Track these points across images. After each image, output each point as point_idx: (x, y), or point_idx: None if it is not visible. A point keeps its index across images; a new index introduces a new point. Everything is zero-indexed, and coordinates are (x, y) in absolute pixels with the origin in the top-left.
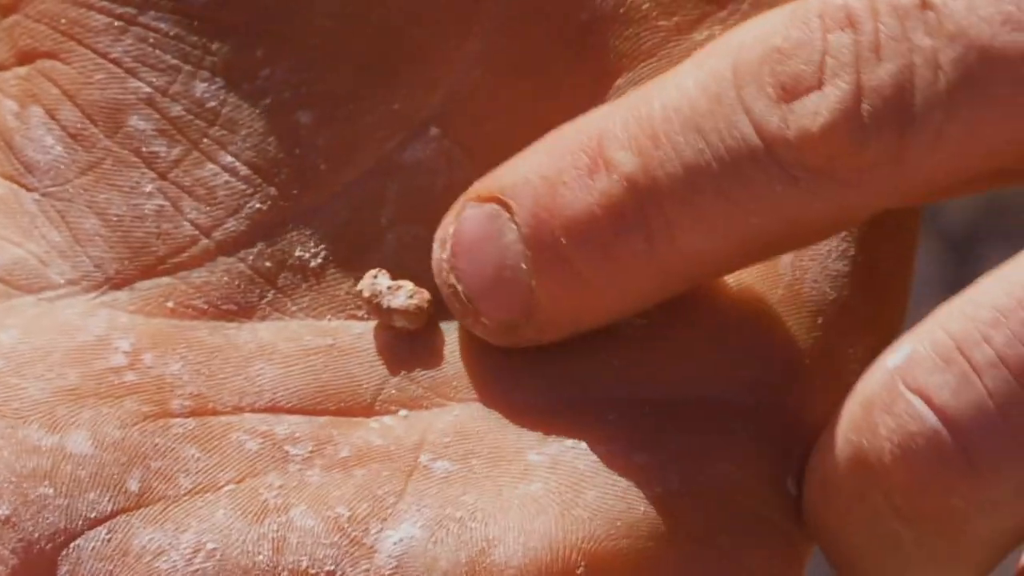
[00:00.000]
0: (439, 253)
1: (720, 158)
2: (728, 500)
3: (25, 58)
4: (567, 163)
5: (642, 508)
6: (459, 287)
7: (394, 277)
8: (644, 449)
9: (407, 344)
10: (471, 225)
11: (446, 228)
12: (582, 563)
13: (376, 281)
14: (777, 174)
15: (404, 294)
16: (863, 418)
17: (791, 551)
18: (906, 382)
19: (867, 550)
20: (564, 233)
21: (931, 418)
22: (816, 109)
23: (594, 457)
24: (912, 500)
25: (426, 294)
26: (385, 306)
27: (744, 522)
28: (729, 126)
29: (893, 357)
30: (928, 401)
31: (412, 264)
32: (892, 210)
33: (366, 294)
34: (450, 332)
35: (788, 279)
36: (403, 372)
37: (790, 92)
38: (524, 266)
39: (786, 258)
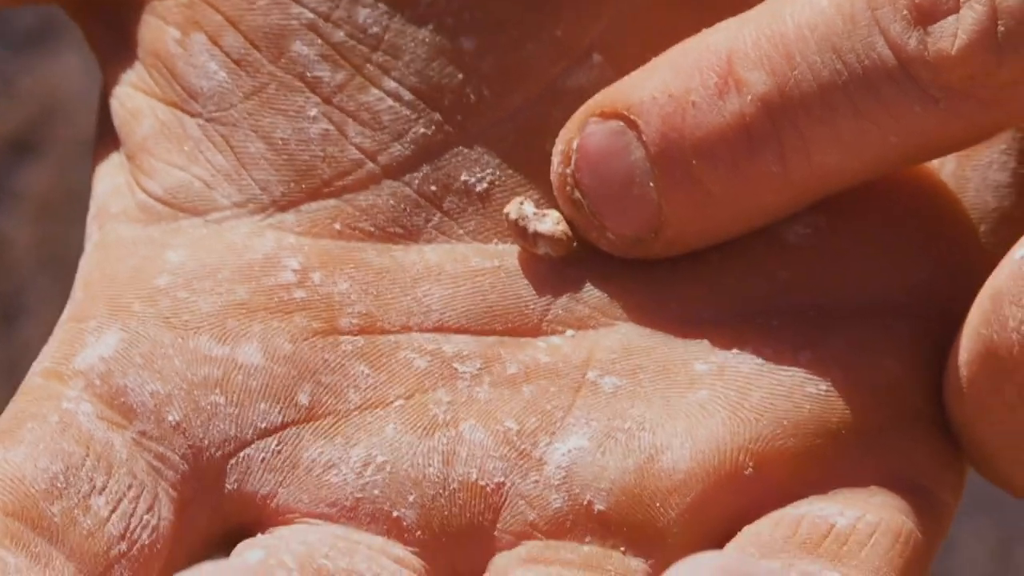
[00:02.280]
0: (560, 168)
1: (857, 78)
2: (892, 396)
3: None
4: (696, 82)
5: (808, 406)
6: (584, 202)
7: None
8: (807, 348)
9: (573, 267)
10: (596, 141)
11: (568, 142)
12: (750, 463)
13: (523, 206)
14: (916, 94)
15: (551, 220)
16: (992, 311)
17: (950, 446)
18: None
19: (1003, 445)
20: (695, 153)
21: None
22: (954, 31)
23: (759, 360)
24: None
25: None
26: (531, 230)
27: (908, 418)
28: (867, 47)
29: (1021, 249)
30: None
31: None
32: None
33: (512, 216)
34: (598, 259)
35: (949, 189)
36: (569, 293)
37: (926, 14)
38: (652, 184)
39: (948, 167)
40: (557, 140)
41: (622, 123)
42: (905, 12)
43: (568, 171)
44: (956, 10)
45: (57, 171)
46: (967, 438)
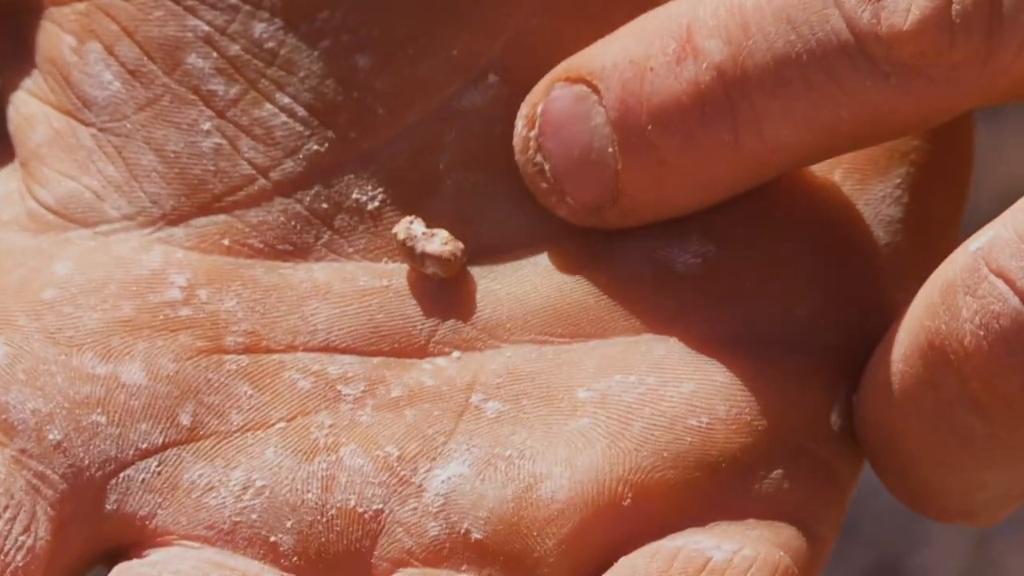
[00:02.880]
0: (524, 131)
1: (811, 50)
2: (773, 432)
3: None
4: (656, 48)
5: (688, 438)
6: (546, 166)
7: (453, 223)
8: (691, 379)
9: (461, 287)
10: (560, 105)
11: (533, 106)
12: (629, 495)
13: (412, 226)
14: (867, 69)
15: (439, 240)
16: (942, 302)
17: (834, 484)
18: (989, 264)
19: (932, 446)
20: (650, 119)
21: (1014, 300)
22: (907, 6)
23: (641, 389)
24: (990, 384)
25: (460, 244)
26: (419, 251)
27: (789, 454)
28: (821, 19)
29: (976, 241)
30: (1011, 284)
31: (470, 211)
32: (944, 159)
33: (401, 236)
34: (488, 280)
35: (841, 221)
36: (457, 314)
37: None
38: (611, 150)
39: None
40: (523, 104)
41: (586, 87)
42: None
43: (532, 135)
44: None
45: None
46: (885, 446)
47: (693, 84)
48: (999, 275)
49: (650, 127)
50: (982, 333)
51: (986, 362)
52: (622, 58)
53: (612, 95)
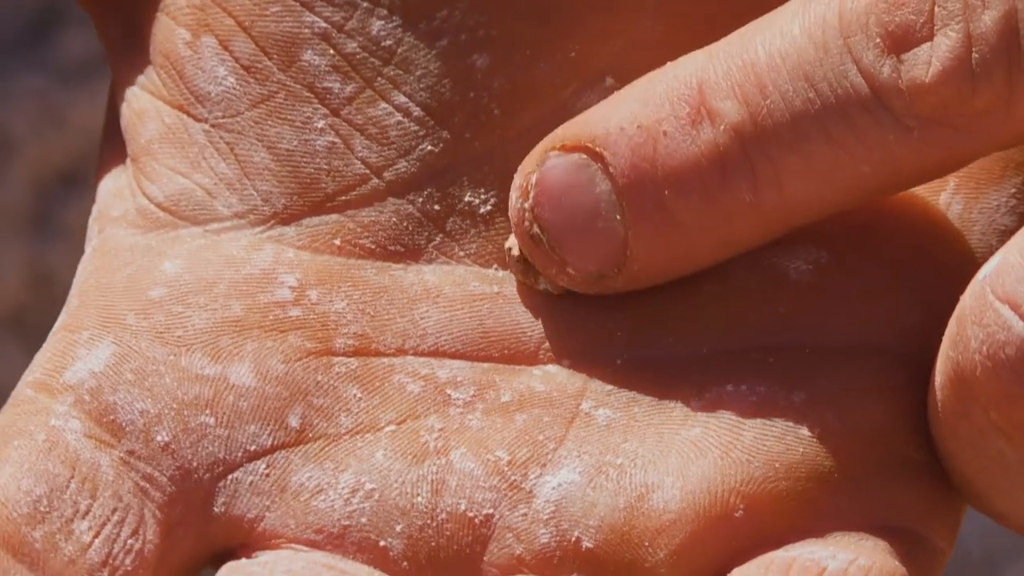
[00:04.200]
0: (518, 202)
1: (830, 107)
2: (882, 441)
3: None
4: (666, 112)
5: (800, 449)
6: (544, 237)
7: None
8: (801, 388)
9: (572, 296)
10: (558, 174)
11: (527, 176)
12: (741, 506)
13: None
14: (889, 122)
15: None
16: (958, 332)
17: (945, 494)
18: (995, 291)
19: (979, 470)
20: (667, 183)
21: (1019, 326)
22: (928, 59)
23: (753, 399)
24: (1006, 413)
25: None
26: (532, 266)
27: (898, 463)
28: (839, 75)
29: (985, 268)
30: (1016, 309)
31: None
32: None
33: (514, 252)
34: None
35: (955, 231)
36: (567, 323)
37: (899, 43)
38: (619, 217)
39: (954, 210)
40: (516, 175)
41: (586, 156)
42: (878, 40)
43: (526, 205)
44: (930, 37)
45: None
46: (949, 467)
47: (711, 146)
48: (1005, 301)
49: (666, 191)
50: (990, 364)
51: (998, 391)
52: (629, 123)
53: (621, 161)
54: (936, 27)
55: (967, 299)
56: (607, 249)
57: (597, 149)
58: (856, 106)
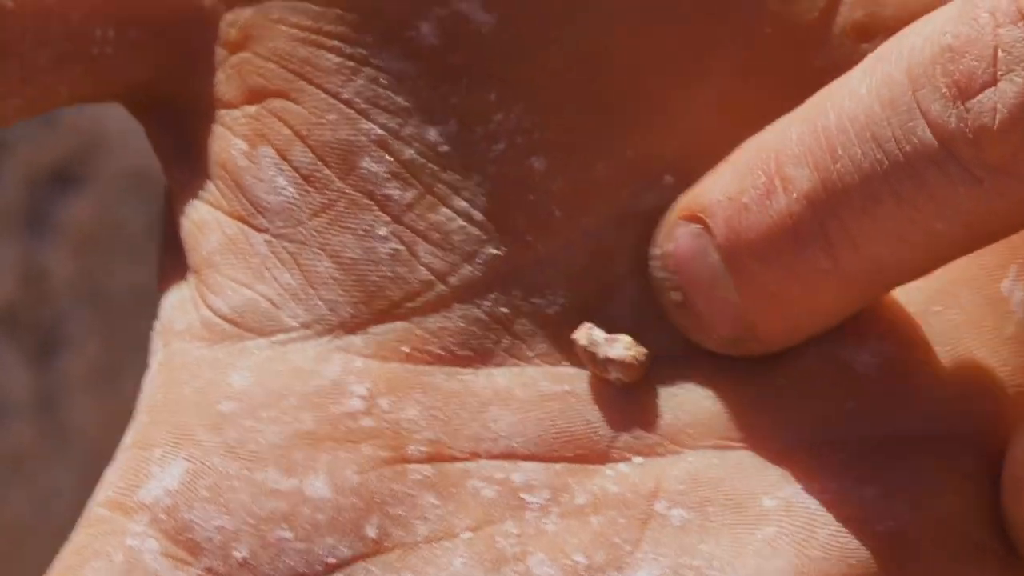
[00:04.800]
0: (659, 272)
1: (899, 164)
2: (956, 529)
3: (255, 97)
4: (747, 183)
5: (875, 543)
6: (686, 305)
7: (634, 327)
8: (873, 483)
9: (642, 392)
10: (683, 243)
11: (664, 247)
12: None
13: (592, 332)
14: (959, 175)
15: (622, 345)
16: None
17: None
18: None
19: None
20: (750, 255)
21: None
22: (993, 105)
23: (826, 495)
24: None
25: (643, 349)
26: (601, 356)
27: (973, 551)
28: (907, 132)
29: None
30: None
31: (650, 314)
32: None
33: (582, 343)
34: (667, 384)
35: (1020, 316)
36: (638, 419)
37: (964, 91)
38: (730, 284)
39: (1017, 296)
40: (652, 245)
41: (699, 226)
42: (944, 90)
43: (665, 276)
44: (993, 83)
45: (98, 204)
46: None
47: (784, 215)
48: None
49: (751, 262)
50: None
51: None
52: (722, 194)
53: (720, 232)
54: (999, 72)
55: None
56: (729, 315)
57: (705, 219)
58: (925, 161)
